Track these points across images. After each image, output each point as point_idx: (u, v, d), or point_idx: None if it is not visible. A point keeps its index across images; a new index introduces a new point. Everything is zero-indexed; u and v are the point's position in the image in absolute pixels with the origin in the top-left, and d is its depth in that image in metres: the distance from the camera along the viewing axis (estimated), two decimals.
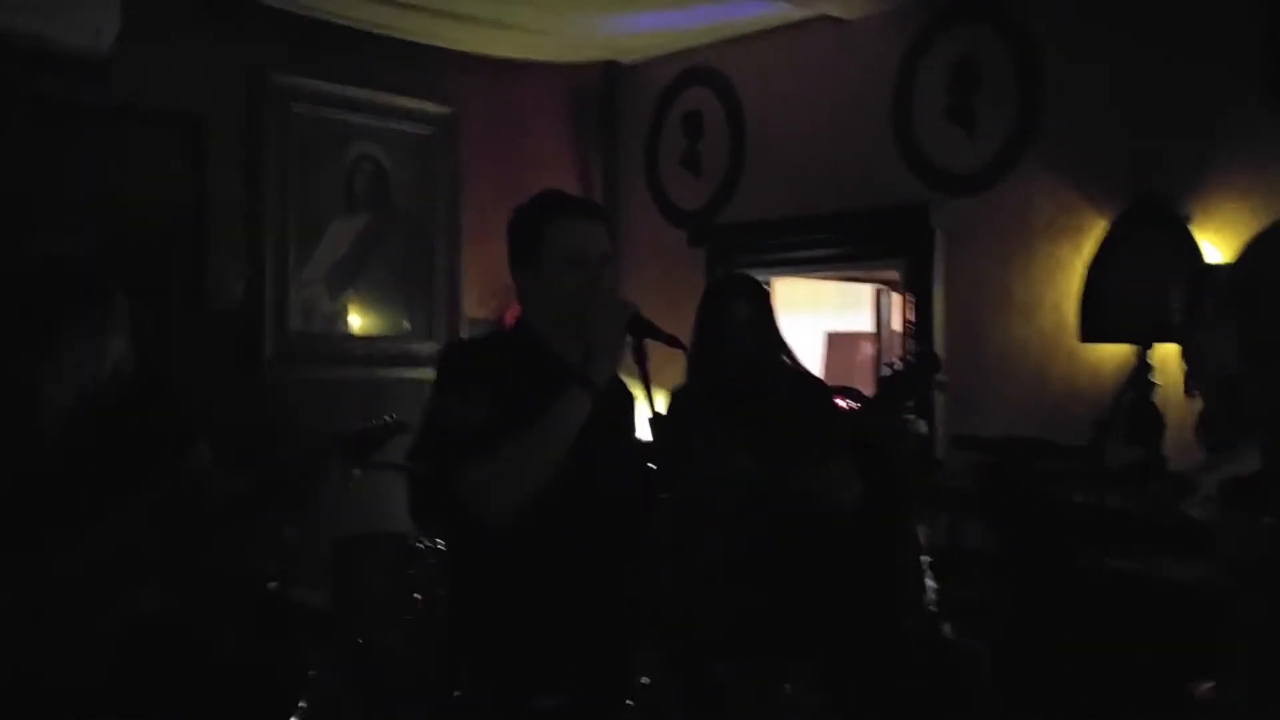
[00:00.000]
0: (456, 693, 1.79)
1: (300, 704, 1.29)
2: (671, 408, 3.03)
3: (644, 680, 1.42)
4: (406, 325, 5.13)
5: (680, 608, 2.06)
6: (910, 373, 2.81)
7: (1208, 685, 2.15)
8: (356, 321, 5.00)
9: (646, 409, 2.11)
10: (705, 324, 3.00)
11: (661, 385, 2.23)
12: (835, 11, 4.71)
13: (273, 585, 3.53)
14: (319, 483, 2.36)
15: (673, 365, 2.28)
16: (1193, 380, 3.29)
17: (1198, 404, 3.25)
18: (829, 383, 3.33)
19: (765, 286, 3.10)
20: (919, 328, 4.61)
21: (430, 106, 5.13)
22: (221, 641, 2.72)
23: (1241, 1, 3.73)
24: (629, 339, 2.15)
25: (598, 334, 2.09)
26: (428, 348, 4.99)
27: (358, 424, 2.50)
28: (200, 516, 2.28)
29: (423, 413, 2.18)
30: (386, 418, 2.48)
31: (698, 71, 5.43)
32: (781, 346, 3.04)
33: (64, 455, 2.22)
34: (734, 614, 2.33)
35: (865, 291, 6.11)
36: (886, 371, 3.80)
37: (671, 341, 2.19)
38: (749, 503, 2.62)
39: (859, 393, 4.06)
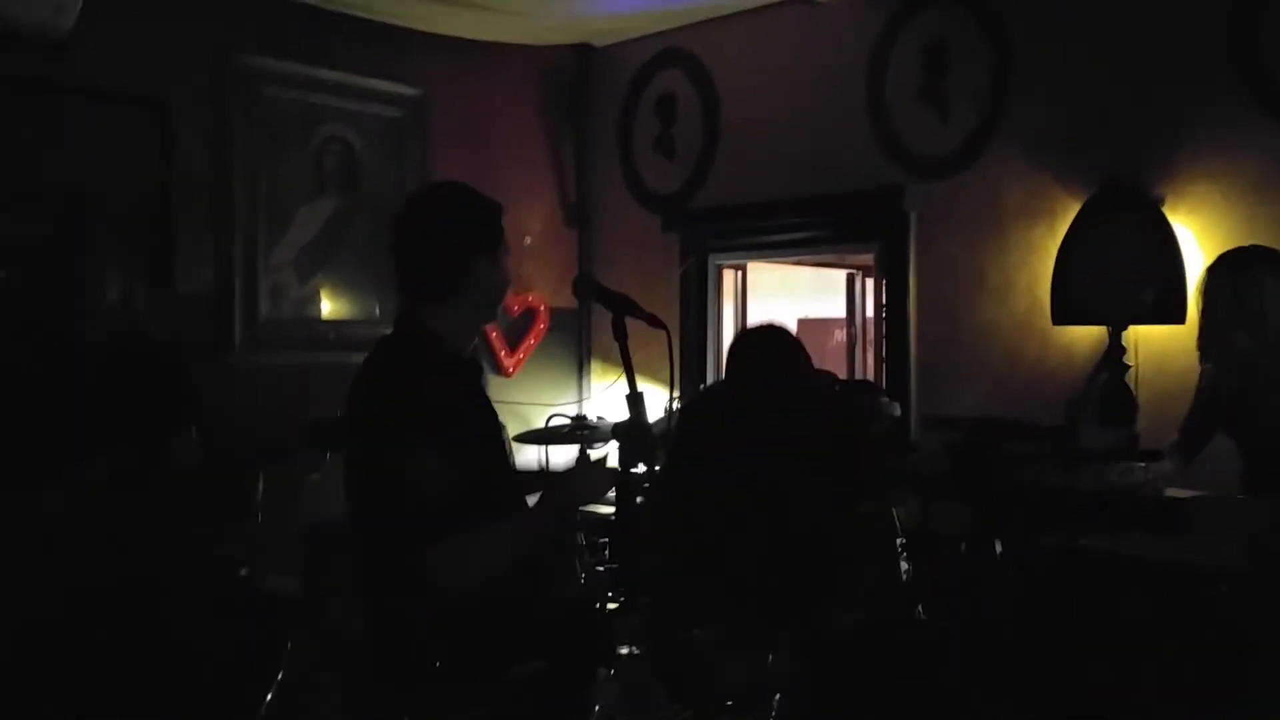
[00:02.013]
0: (437, 663, 1.79)
1: (272, 689, 1.27)
2: (684, 415, 3.07)
3: (622, 650, 1.41)
4: (376, 310, 5.08)
5: (665, 583, 2.07)
6: None
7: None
8: (326, 306, 4.95)
9: (625, 386, 2.10)
10: (731, 370, 3.06)
11: (639, 367, 2.22)
12: None
13: (244, 571, 3.49)
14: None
15: (653, 345, 2.27)
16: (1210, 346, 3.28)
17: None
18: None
19: (794, 338, 3.15)
20: (891, 311, 4.63)
21: (400, 88, 5.07)
22: (182, 624, 2.69)
23: None
24: (611, 315, 2.19)
25: (587, 491, 2.30)
26: None
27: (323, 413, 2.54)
28: (155, 492, 2.33)
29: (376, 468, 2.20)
30: None
31: (671, 54, 5.40)
32: (798, 391, 3.05)
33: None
34: (720, 584, 2.34)
35: (839, 277, 6.12)
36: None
37: (652, 321, 2.20)
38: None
39: (834, 375, 4.07)
